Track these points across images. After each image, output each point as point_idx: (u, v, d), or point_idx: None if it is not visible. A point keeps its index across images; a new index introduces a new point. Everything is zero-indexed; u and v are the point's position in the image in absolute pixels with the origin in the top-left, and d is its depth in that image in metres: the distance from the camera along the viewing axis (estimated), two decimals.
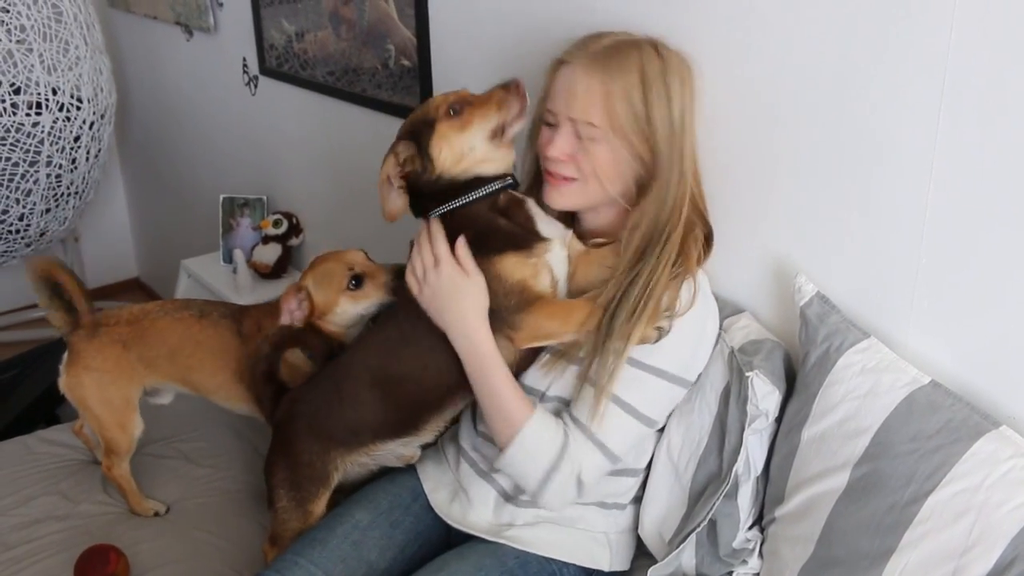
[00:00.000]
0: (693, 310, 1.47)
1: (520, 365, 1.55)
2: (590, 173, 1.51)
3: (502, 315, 1.49)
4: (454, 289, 1.49)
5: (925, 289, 1.40)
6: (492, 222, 1.52)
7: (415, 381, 1.57)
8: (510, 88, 1.54)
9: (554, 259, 1.53)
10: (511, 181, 1.57)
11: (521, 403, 1.49)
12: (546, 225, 1.55)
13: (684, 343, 1.49)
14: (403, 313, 1.60)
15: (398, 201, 1.57)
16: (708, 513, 1.48)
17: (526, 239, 1.51)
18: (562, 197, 1.56)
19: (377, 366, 1.61)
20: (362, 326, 1.81)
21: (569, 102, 1.48)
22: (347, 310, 1.77)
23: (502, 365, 1.50)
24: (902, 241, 1.40)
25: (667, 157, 1.48)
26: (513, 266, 1.49)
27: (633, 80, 1.45)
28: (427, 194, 1.56)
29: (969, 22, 1.25)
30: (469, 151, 1.53)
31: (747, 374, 1.45)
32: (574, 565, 1.60)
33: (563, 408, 1.53)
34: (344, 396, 1.63)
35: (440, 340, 1.52)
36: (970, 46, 1.26)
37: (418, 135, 1.54)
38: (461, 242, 1.51)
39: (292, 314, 1.77)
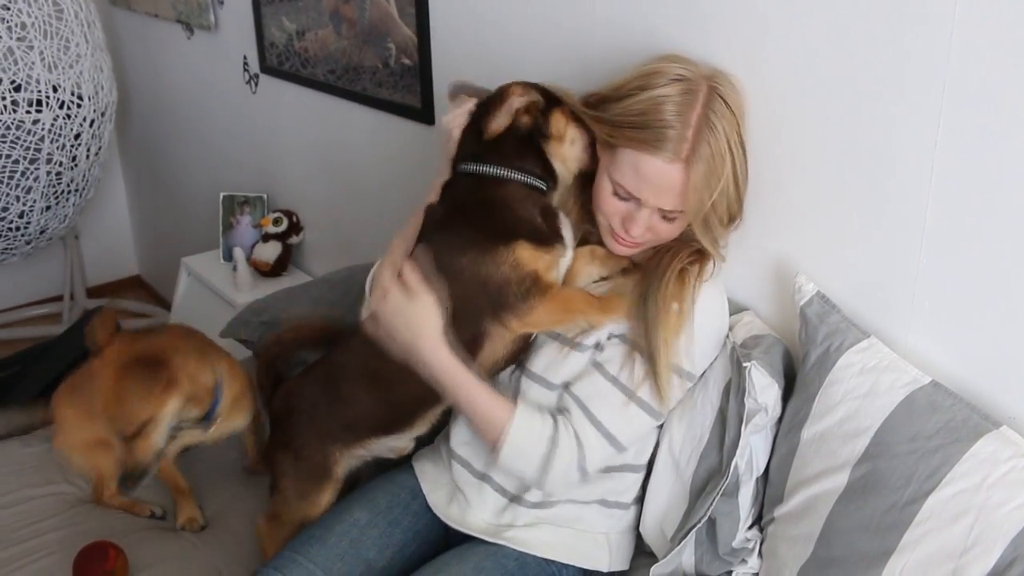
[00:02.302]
0: (711, 299, 1.51)
1: (512, 356, 1.56)
2: (660, 238, 1.53)
3: (509, 301, 1.48)
4: (404, 316, 1.50)
5: (925, 289, 1.40)
6: (528, 210, 1.51)
7: (408, 380, 1.56)
8: None
9: (563, 262, 1.54)
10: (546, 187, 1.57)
11: (499, 407, 1.50)
12: (567, 231, 1.55)
13: (697, 338, 1.50)
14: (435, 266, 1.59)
15: (503, 120, 1.54)
16: (709, 508, 1.48)
17: (549, 237, 1.51)
18: (631, 252, 1.57)
19: (372, 366, 1.61)
20: None
21: (661, 196, 1.45)
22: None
23: (468, 376, 1.50)
24: (903, 241, 1.40)
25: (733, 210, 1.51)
26: (532, 256, 1.48)
27: (724, 166, 1.44)
28: (494, 146, 1.54)
29: (969, 24, 1.25)
30: (571, 141, 1.55)
31: (744, 364, 1.45)
32: (573, 566, 1.60)
33: (567, 394, 1.54)
34: (341, 395, 1.64)
35: (466, 307, 1.52)
36: (970, 47, 1.26)
37: (548, 97, 1.55)
38: (408, 267, 1.51)
39: None
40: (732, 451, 1.47)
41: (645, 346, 1.47)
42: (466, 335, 1.51)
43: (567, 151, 1.55)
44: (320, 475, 1.67)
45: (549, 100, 1.55)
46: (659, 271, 1.50)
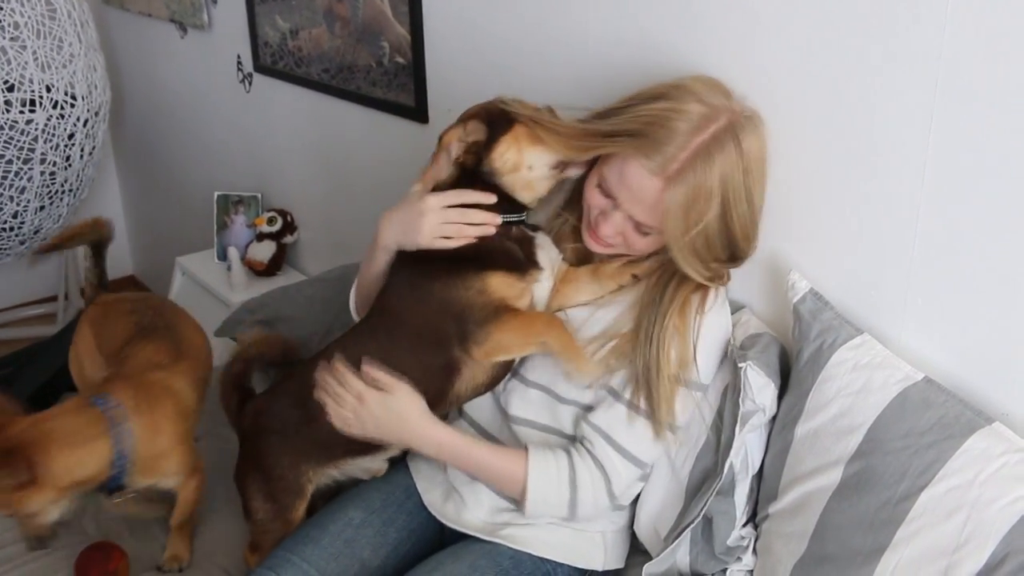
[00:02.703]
0: (715, 317, 1.51)
1: (493, 381, 1.57)
2: (633, 249, 1.53)
3: (468, 328, 1.49)
4: (388, 412, 1.50)
5: (918, 286, 1.40)
6: (497, 240, 1.52)
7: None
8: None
9: (539, 287, 1.55)
10: (525, 218, 1.58)
11: (510, 465, 1.52)
12: (544, 254, 1.55)
13: (705, 350, 1.50)
14: (372, 328, 1.60)
15: (445, 171, 1.55)
16: (703, 508, 1.48)
17: (522, 264, 1.52)
18: (606, 252, 1.57)
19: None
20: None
21: (636, 205, 1.44)
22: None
23: (469, 445, 1.53)
24: (896, 238, 1.41)
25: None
26: (501, 284, 1.49)
27: (713, 200, 1.40)
28: (457, 182, 1.55)
29: (962, 22, 1.25)
30: (528, 167, 1.52)
31: (740, 365, 1.45)
32: (568, 565, 1.60)
33: (586, 424, 1.54)
34: (312, 414, 1.59)
35: (408, 362, 1.52)
36: (963, 45, 1.26)
37: (493, 125, 1.52)
38: (367, 364, 1.51)
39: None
40: (727, 451, 1.47)
41: (654, 370, 1.47)
42: (439, 361, 1.52)
43: (527, 177, 1.53)
44: (293, 493, 1.64)
45: (495, 128, 1.51)
46: (661, 304, 1.49)
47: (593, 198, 1.52)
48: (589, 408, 1.55)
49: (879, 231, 1.43)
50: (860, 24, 1.37)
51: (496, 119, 1.52)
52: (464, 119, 1.54)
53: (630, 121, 1.42)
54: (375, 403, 1.50)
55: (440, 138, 1.57)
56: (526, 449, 1.53)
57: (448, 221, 1.52)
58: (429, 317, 1.51)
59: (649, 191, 1.41)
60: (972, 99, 1.27)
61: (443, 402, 1.56)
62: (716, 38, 1.57)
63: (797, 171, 1.51)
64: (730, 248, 1.46)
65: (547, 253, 1.57)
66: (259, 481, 1.66)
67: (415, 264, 1.56)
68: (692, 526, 1.49)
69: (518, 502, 1.53)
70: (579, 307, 1.60)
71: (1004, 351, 1.33)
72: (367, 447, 1.61)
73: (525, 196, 1.55)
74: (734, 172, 1.40)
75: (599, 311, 1.58)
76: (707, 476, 1.53)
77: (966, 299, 1.35)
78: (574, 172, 1.55)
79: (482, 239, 1.52)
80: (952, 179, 1.32)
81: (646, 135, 1.39)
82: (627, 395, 1.50)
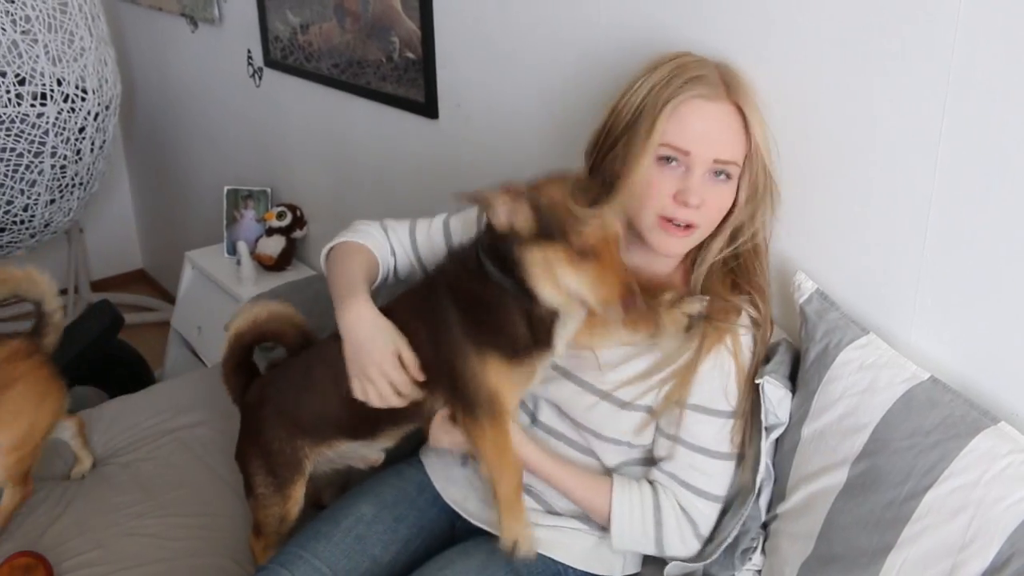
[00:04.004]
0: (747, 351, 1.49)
1: None
2: (713, 216, 1.46)
3: (466, 396, 1.44)
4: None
5: (929, 285, 1.40)
6: (510, 322, 1.41)
7: None
8: (632, 303, 1.32)
9: (547, 363, 1.48)
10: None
11: (594, 494, 1.51)
12: (564, 329, 1.44)
13: (734, 382, 1.48)
14: (401, 317, 1.53)
15: (472, 226, 1.46)
16: (739, 521, 1.48)
17: (529, 348, 1.42)
18: (677, 246, 1.48)
19: (341, 365, 1.56)
20: None
21: (716, 145, 1.40)
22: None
23: (563, 469, 1.52)
24: (906, 237, 1.40)
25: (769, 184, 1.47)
26: (496, 371, 1.42)
27: (759, 109, 1.43)
28: (495, 247, 1.39)
29: (974, 17, 1.24)
30: (565, 286, 1.34)
31: (758, 382, 1.45)
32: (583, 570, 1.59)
33: (659, 472, 1.53)
34: (312, 383, 1.60)
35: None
36: (975, 40, 1.25)
37: (546, 225, 1.32)
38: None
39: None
40: (756, 465, 1.47)
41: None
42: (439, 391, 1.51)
43: (572, 291, 1.35)
44: (291, 467, 1.64)
45: (548, 226, 1.32)
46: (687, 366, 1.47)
47: (660, 183, 1.42)
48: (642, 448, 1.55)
49: (889, 230, 1.42)
50: (872, 20, 1.36)
51: (552, 223, 1.32)
52: (513, 193, 1.34)
53: (637, 105, 1.42)
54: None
55: (480, 195, 1.37)
56: (610, 483, 1.51)
57: (387, 380, 1.46)
58: (435, 353, 1.47)
59: (726, 119, 1.41)
60: (985, 97, 1.26)
61: (426, 408, 1.54)
62: (728, 33, 1.56)
63: (807, 170, 1.51)
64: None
65: (568, 327, 1.45)
66: (258, 454, 1.67)
67: (437, 297, 1.49)
68: (729, 540, 1.49)
69: (606, 527, 1.52)
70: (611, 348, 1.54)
71: (1013, 351, 1.33)
72: (357, 432, 1.61)
73: (546, 299, 1.39)
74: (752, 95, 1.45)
75: (635, 359, 1.52)
76: (739, 490, 1.52)
77: (976, 299, 1.35)
78: (605, 312, 1.36)
79: (491, 306, 1.40)
80: (963, 178, 1.31)
81: (672, 84, 1.39)
82: (694, 441, 1.48)
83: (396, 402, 1.47)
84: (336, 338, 1.53)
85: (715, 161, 1.41)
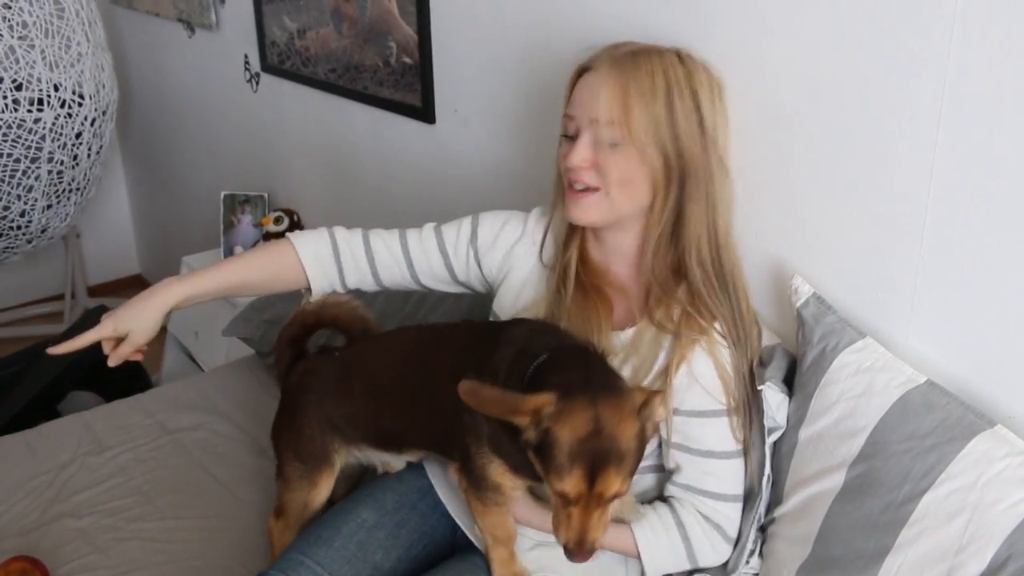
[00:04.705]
0: (721, 354, 1.47)
1: None
2: (614, 181, 1.45)
3: (474, 474, 1.43)
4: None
5: (925, 289, 1.40)
6: (515, 446, 1.34)
7: (401, 417, 1.55)
8: (576, 556, 1.29)
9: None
10: None
11: (619, 533, 1.49)
12: None
13: (729, 377, 1.47)
14: (442, 356, 1.53)
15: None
16: (752, 527, 1.49)
17: (534, 474, 1.36)
18: (584, 211, 1.49)
19: (379, 381, 1.60)
20: None
21: (590, 104, 1.44)
22: None
23: None
24: (903, 241, 1.41)
25: (693, 170, 1.45)
26: (500, 473, 1.41)
27: (658, 83, 1.42)
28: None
29: (971, 21, 1.25)
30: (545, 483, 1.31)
31: (759, 387, 1.46)
32: None
33: (674, 487, 1.52)
34: (350, 386, 1.62)
35: (441, 412, 1.46)
36: (971, 46, 1.26)
37: (547, 447, 1.25)
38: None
39: None
40: (761, 470, 1.48)
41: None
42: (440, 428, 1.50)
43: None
44: (320, 458, 1.65)
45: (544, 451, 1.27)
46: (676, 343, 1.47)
47: (562, 151, 1.51)
48: (659, 468, 1.55)
49: (886, 234, 1.43)
50: (868, 27, 1.37)
51: (545, 451, 1.26)
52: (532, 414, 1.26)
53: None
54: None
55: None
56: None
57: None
58: (456, 409, 1.40)
59: (599, 83, 1.44)
60: (980, 102, 1.27)
61: (446, 446, 1.53)
62: (726, 37, 1.57)
63: (804, 173, 1.52)
64: (680, 172, 1.45)
65: None
66: (291, 438, 1.68)
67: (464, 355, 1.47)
68: (750, 545, 1.50)
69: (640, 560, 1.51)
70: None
71: (1010, 354, 1.33)
72: (386, 443, 1.62)
73: None
74: (675, 68, 1.44)
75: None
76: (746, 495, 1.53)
77: (973, 302, 1.35)
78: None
79: (507, 434, 1.34)
80: (960, 182, 1.32)
81: (588, 58, 1.49)
82: (698, 446, 1.48)
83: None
84: (382, 341, 1.62)
85: (592, 121, 1.45)
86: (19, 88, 3.15)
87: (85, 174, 3.51)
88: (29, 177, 3.29)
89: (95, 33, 3.39)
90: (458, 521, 1.65)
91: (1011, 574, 1.17)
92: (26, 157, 3.24)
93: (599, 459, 1.24)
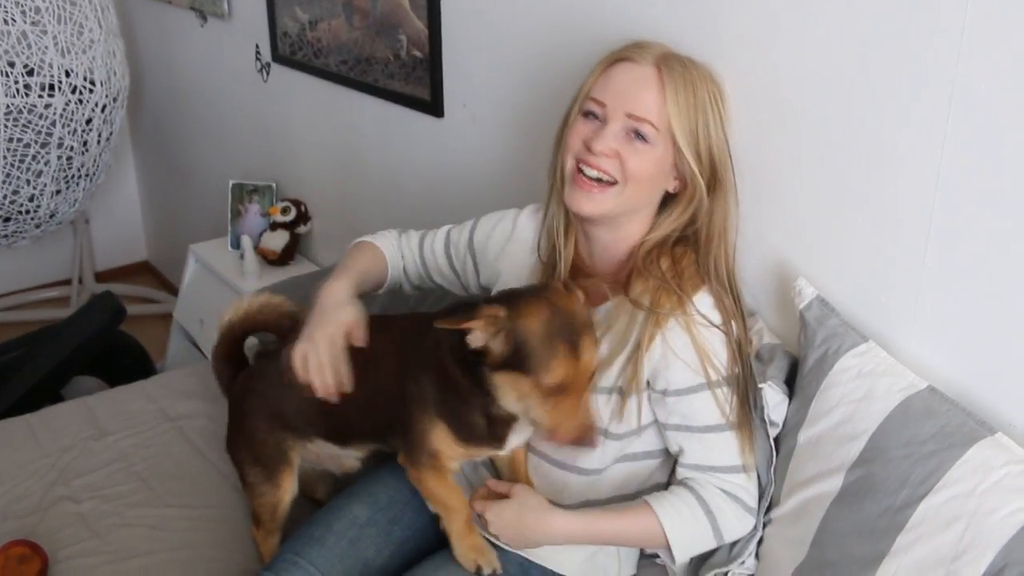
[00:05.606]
0: (701, 329, 1.47)
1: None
2: (632, 176, 1.46)
3: (411, 443, 1.48)
4: (514, 525, 1.48)
5: (929, 294, 1.39)
6: (470, 412, 1.43)
7: (348, 404, 1.53)
8: (585, 443, 1.37)
9: (491, 454, 1.53)
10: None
11: (640, 521, 1.47)
12: (517, 437, 1.48)
13: (713, 351, 1.47)
14: (387, 339, 1.55)
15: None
16: (761, 523, 1.49)
17: (478, 438, 1.45)
18: (592, 202, 1.48)
19: None
20: None
21: (631, 98, 1.44)
22: None
23: (592, 520, 1.49)
24: (907, 245, 1.40)
25: (722, 179, 1.49)
26: (441, 439, 1.45)
27: (700, 95, 1.45)
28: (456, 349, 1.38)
29: (980, 24, 1.25)
30: (526, 410, 1.36)
31: (760, 386, 1.46)
32: None
33: (684, 469, 1.51)
34: (291, 384, 1.58)
35: (384, 393, 1.51)
36: (980, 53, 1.25)
37: (519, 357, 1.31)
38: (492, 484, 1.52)
39: None
40: (769, 468, 1.48)
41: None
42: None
43: (529, 410, 1.37)
44: (277, 459, 1.66)
45: (522, 348, 1.31)
46: (651, 315, 1.47)
47: (577, 131, 1.49)
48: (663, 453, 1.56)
49: (890, 239, 1.42)
50: (877, 30, 1.36)
51: (525, 349, 1.31)
52: (492, 319, 1.32)
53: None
54: (504, 516, 1.47)
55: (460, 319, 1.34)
56: (645, 502, 1.48)
57: (320, 357, 1.48)
58: (398, 389, 1.49)
59: (642, 76, 1.44)
60: (988, 108, 1.26)
61: (391, 439, 1.57)
62: (737, 40, 1.56)
63: (808, 176, 1.51)
64: (719, 169, 1.48)
65: (520, 435, 1.49)
66: (244, 444, 1.70)
67: (422, 351, 1.48)
68: (760, 535, 1.50)
69: (671, 557, 1.48)
70: None
71: (1012, 362, 1.33)
72: (334, 435, 1.64)
73: (508, 408, 1.40)
74: (713, 83, 1.49)
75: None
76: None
77: (976, 309, 1.35)
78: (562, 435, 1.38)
79: (456, 395, 1.42)
80: (966, 187, 1.31)
81: (623, 48, 1.48)
82: (696, 422, 1.47)
83: (326, 376, 1.48)
84: None
85: (628, 115, 1.44)
86: (31, 73, 3.16)
87: (95, 160, 3.52)
88: (39, 162, 3.30)
89: (107, 19, 3.40)
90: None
91: None
92: (36, 142, 3.25)
93: (574, 332, 1.31)
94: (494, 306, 1.32)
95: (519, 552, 1.54)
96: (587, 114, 1.49)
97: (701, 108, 1.45)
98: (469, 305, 1.34)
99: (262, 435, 1.66)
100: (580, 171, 1.48)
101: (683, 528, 1.46)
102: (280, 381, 1.61)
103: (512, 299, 1.36)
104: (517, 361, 1.31)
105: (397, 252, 1.79)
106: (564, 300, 1.35)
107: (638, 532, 1.48)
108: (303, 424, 1.64)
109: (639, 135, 1.44)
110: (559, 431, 1.34)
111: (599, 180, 1.47)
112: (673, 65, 1.45)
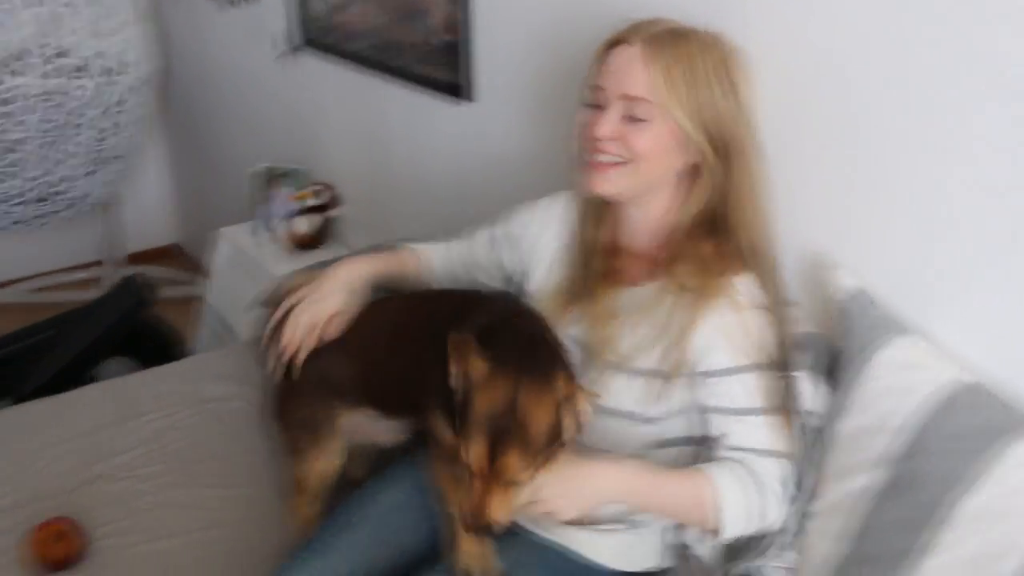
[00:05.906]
0: (744, 311, 1.45)
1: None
2: (640, 154, 1.45)
3: (432, 434, 1.48)
4: (571, 495, 1.38)
5: (975, 286, 1.37)
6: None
7: (387, 373, 1.58)
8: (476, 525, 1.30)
9: None
10: None
11: (696, 484, 1.41)
12: None
13: (756, 333, 1.45)
14: (425, 313, 1.60)
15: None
16: (798, 517, 1.47)
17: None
18: (608, 183, 1.49)
19: (373, 335, 1.66)
20: None
21: (623, 79, 1.44)
22: None
23: (647, 468, 1.41)
24: (952, 236, 1.38)
25: (738, 149, 1.45)
26: (443, 429, 1.45)
27: (697, 64, 1.42)
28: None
29: None
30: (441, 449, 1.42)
31: (795, 374, 1.45)
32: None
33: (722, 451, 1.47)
34: (345, 348, 1.66)
35: (413, 368, 1.53)
36: None
37: (463, 404, 1.29)
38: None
39: None
40: (802, 458, 1.46)
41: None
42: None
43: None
44: (325, 424, 1.68)
45: (497, 427, 1.26)
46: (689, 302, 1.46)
47: (581, 119, 1.51)
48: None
49: (934, 229, 1.40)
50: (920, 17, 1.34)
51: (500, 425, 1.25)
52: (468, 356, 1.29)
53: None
54: (556, 486, 1.37)
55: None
56: (699, 468, 1.43)
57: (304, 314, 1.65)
58: (421, 376, 1.50)
59: (635, 58, 1.43)
60: None
61: (421, 421, 1.56)
62: (768, 22, 1.55)
63: (849, 164, 1.49)
64: (740, 140, 1.46)
65: None
66: (293, 409, 1.73)
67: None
68: (795, 529, 1.48)
69: (713, 526, 1.41)
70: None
71: None
72: (376, 404, 1.66)
73: None
74: (713, 50, 1.44)
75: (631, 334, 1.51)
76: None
77: (1023, 301, 1.33)
78: None
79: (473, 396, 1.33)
80: (1013, 175, 1.29)
81: (619, 31, 1.48)
82: (730, 404, 1.44)
83: (303, 337, 1.64)
84: (372, 305, 1.68)
85: (623, 97, 1.44)
86: (62, 55, 3.18)
87: (125, 143, 3.54)
88: (70, 143, 3.32)
89: (138, 2, 3.41)
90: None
91: None
92: (67, 124, 3.27)
93: (504, 437, 1.25)
94: (483, 361, 1.28)
95: (554, 539, 1.52)
96: (589, 104, 1.51)
97: (702, 80, 1.42)
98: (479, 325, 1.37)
99: (311, 400, 1.68)
100: (592, 156, 1.50)
101: (736, 498, 1.40)
102: (331, 347, 1.66)
103: (503, 361, 1.29)
104: (461, 415, 1.28)
105: (438, 256, 1.85)
106: (534, 403, 1.26)
107: (686, 497, 1.41)
108: (351, 389, 1.66)
109: (637, 114, 1.44)
110: (453, 500, 1.33)
111: (610, 162, 1.49)
112: (664, 40, 1.43)
